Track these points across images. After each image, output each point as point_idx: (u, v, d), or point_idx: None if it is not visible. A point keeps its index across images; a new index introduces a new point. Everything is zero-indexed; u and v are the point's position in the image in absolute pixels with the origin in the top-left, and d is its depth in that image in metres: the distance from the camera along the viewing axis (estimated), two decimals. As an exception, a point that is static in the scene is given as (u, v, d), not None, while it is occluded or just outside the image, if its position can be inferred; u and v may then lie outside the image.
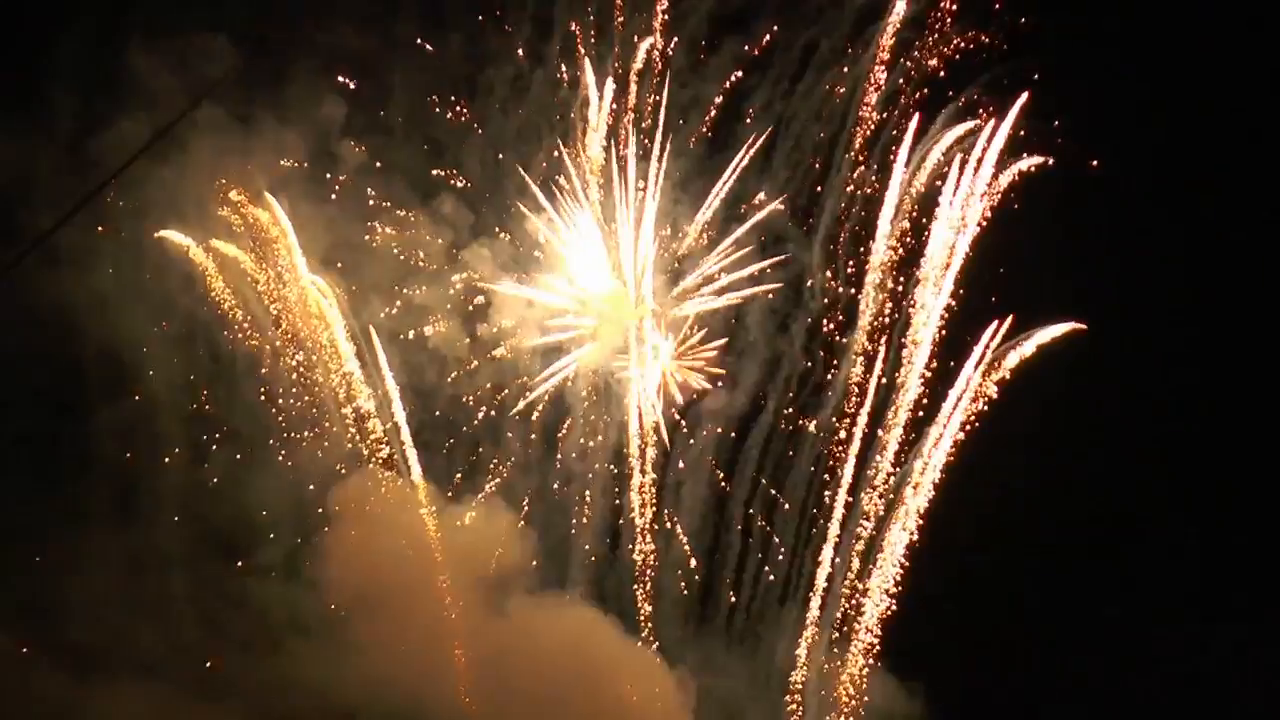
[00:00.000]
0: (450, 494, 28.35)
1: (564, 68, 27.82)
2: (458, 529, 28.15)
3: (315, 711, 25.83)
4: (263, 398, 27.03)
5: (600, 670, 27.70)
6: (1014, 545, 27.93)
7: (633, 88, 27.11)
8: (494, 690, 27.23)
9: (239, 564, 27.01)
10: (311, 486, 26.99)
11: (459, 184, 27.82)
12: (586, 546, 29.02)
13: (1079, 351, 26.91)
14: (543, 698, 26.89)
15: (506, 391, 28.32)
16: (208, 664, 26.25)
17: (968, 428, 27.35)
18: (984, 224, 26.96)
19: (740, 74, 26.76)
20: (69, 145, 24.89)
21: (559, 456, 28.81)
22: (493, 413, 28.44)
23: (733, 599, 29.42)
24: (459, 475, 28.46)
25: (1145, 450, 28.48)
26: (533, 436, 28.69)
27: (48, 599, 24.91)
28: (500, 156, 27.91)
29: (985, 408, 27.27)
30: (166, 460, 26.45)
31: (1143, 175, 27.26)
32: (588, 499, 28.92)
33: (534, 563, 28.35)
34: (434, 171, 27.76)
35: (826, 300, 27.90)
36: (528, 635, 27.61)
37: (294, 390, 27.28)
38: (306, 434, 27.20)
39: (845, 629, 28.73)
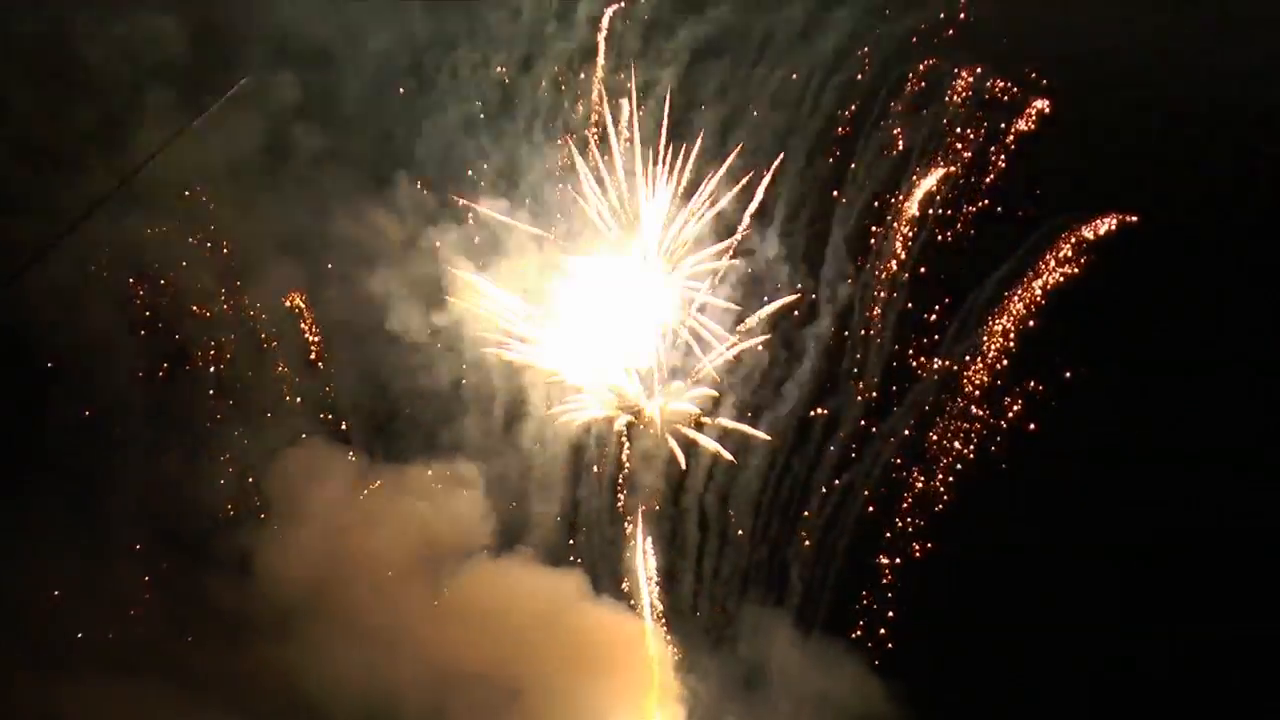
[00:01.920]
0: (407, 474, 28.41)
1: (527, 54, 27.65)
2: (414, 506, 28.24)
3: (281, 702, 25.95)
4: (213, 390, 27.02)
5: (568, 625, 27.79)
6: (1001, 543, 27.74)
7: (596, 75, 26.77)
8: (463, 661, 27.17)
9: (197, 557, 26.93)
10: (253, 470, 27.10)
11: (417, 170, 27.54)
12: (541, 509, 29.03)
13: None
14: (513, 659, 26.98)
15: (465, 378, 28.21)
16: (171, 658, 26.11)
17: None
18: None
19: (697, 60, 26.29)
20: (17, 133, 24.85)
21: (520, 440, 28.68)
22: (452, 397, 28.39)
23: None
24: (415, 455, 28.49)
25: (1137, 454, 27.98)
26: (493, 421, 28.61)
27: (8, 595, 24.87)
28: (459, 142, 27.67)
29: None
30: (122, 454, 26.28)
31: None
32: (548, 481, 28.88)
33: (491, 537, 28.39)
34: (391, 158, 27.47)
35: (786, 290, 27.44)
36: (489, 601, 27.63)
37: (248, 379, 27.31)
38: (257, 424, 27.19)
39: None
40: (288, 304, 27.63)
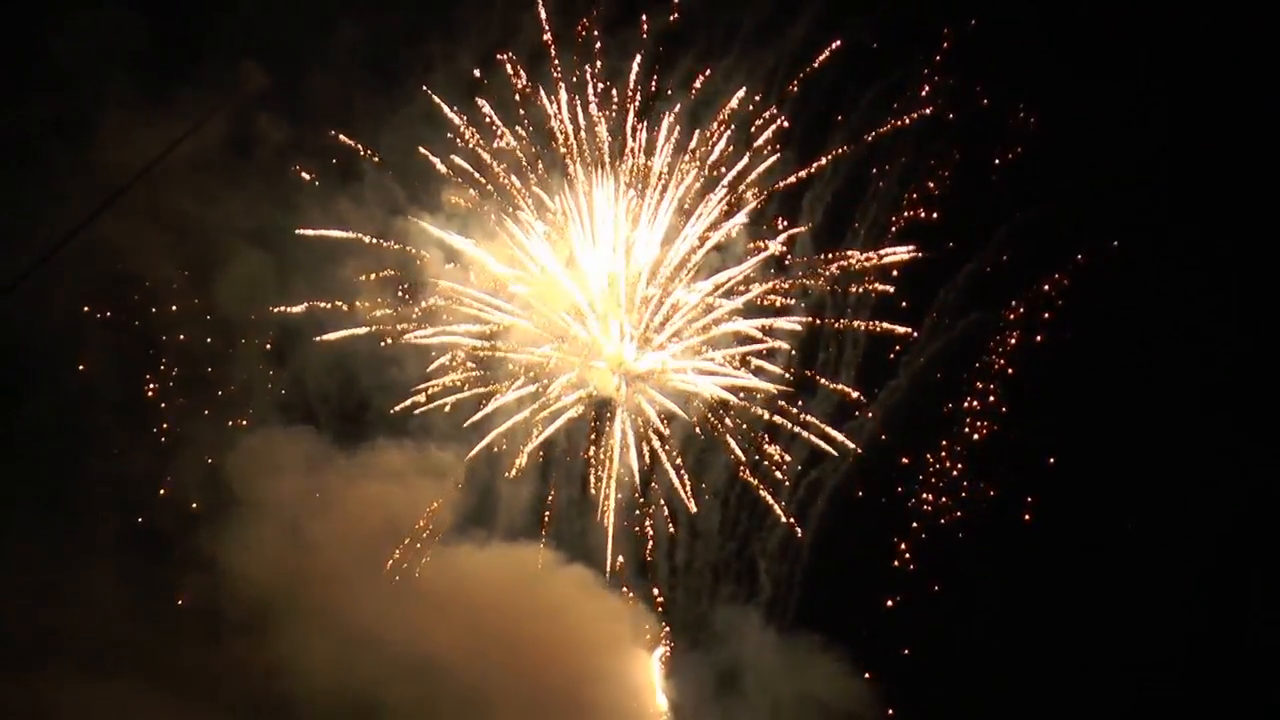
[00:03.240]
0: (376, 463, 28.33)
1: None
2: (384, 492, 28.18)
3: (259, 697, 26.08)
4: (182, 385, 27.10)
5: (546, 598, 27.96)
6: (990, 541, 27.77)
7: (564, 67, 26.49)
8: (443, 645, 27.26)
9: (170, 552, 27.06)
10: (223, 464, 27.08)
11: (384, 162, 27.42)
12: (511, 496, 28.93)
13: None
14: (493, 637, 27.10)
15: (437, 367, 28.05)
16: (146, 655, 26.09)
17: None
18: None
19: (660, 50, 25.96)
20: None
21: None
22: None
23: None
24: (384, 445, 28.36)
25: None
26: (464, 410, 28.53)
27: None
28: (427, 134, 27.33)
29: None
30: (92, 450, 26.47)
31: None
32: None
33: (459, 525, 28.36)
34: (358, 149, 27.30)
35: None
36: (465, 581, 27.78)
37: (216, 373, 27.41)
38: (226, 418, 27.30)
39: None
40: (254, 296, 27.56)
